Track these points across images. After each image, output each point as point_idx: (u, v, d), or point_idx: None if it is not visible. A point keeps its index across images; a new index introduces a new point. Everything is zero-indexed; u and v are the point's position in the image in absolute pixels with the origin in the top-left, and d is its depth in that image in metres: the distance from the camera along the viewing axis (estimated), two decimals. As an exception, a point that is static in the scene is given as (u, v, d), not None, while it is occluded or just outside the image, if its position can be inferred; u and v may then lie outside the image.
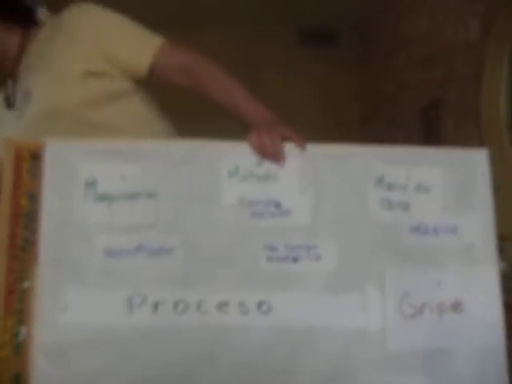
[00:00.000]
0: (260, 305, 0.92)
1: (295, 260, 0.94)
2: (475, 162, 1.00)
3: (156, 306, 0.90)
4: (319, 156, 0.96)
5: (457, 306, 0.96)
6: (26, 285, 0.90)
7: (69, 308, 0.89)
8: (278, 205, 0.95)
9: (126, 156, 0.93)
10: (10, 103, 1.12)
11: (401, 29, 2.13)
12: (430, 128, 2.12)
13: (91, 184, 0.92)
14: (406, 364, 0.94)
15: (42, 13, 1.12)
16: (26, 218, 0.91)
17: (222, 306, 0.91)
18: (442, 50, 1.66)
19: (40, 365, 0.88)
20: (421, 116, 2.20)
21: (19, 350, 0.88)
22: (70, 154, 0.92)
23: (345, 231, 0.96)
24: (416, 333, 0.95)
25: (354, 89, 3.23)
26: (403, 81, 2.30)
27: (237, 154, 0.95)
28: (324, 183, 0.96)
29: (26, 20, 1.10)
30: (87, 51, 1.04)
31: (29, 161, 0.91)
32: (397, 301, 0.95)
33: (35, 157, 0.92)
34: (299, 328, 0.92)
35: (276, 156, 0.95)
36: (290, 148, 0.96)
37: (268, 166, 0.96)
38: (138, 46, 1.06)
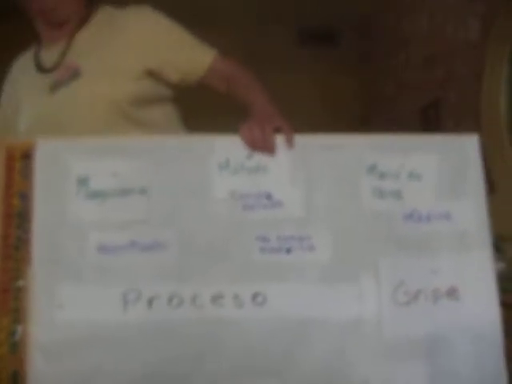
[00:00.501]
0: (255, 297, 0.92)
1: (288, 251, 0.94)
2: (467, 149, 0.98)
3: (151, 302, 0.89)
4: (310, 147, 0.95)
5: (452, 293, 0.95)
6: (20, 283, 0.89)
7: (64, 305, 0.88)
8: (269, 196, 0.94)
9: (116, 152, 0.92)
10: (44, 67, 1.08)
11: (401, 29, 2.12)
12: (429, 128, 2.11)
13: (83, 181, 0.91)
14: (402, 352, 0.92)
15: None
16: (18, 218, 0.90)
17: (217, 298, 0.91)
18: (442, 50, 1.66)
19: (37, 363, 0.87)
20: (421, 116, 2.18)
21: (16, 348, 0.88)
22: (61, 152, 0.91)
23: (338, 221, 0.95)
24: (411, 320, 0.94)
25: (354, 89, 3.22)
26: (403, 81, 2.28)
27: (227, 147, 0.94)
28: (315, 174, 0.95)
29: None
30: (146, 54, 1.06)
31: (20, 160, 0.91)
32: (391, 289, 0.94)
33: (26, 156, 0.91)
34: (294, 319, 0.91)
35: (266, 148, 0.93)
36: (281, 140, 0.95)
37: (258, 159, 0.94)
38: (196, 54, 1.09)
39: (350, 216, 0.95)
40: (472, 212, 0.97)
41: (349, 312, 0.92)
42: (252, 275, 0.92)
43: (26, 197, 0.90)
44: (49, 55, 1.08)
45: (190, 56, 1.08)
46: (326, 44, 3.21)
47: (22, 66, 1.13)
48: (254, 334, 0.90)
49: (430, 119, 2.12)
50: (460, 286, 0.95)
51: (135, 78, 1.05)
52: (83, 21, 1.09)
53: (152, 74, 1.07)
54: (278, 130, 0.94)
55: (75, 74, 1.04)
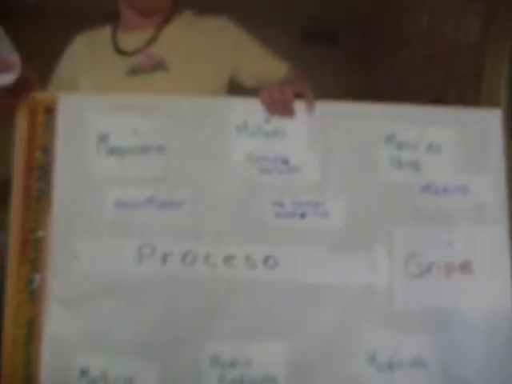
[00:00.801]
0: (266, 259, 0.92)
1: (302, 216, 0.93)
2: (489, 123, 0.96)
3: (165, 257, 0.91)
4: (329, 114, 0.94)
5: (465, 266, 0.94)
6: (39, 234, 0.91)
7: (81, 257, 0.90)
8: (286, 161, 0.94)
9: (137, 111, 0.93)
10: (123, 50, 1.07)
11: (401, 29, 2.08)
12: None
13: (103, 138, 0.92)
14: (412, 323, 0.92)
15: None
16: (40, 171, 0.92)
17: (229, 259, 0.91)
18: (442, 50, 1.63)
19: (53, 311, 0.89)
20: None
21: (33, 296, 0.90)
22: (82, 108, 0.92)
23: (353, 190, 0.94)
24: (423, 292, 0.93)
25: (354, 88, 3.16)
26: (403, 81, 2.27)
27: (246, 109, 0.93)
28: (333, 141, 0.94)
29: None
30: (229, 60, 1.07)
31: (43, 114, 0.92)
32: (404, 260, 0.93)
33: (49, 111, 0.92)
34: (305, 284, 0.91)
35: (285, 111, 0.93)
36: (300, 105, 0.95)
37: (277, 123, 0.94)
38: (274, 64, 1.09)
39: (366, 185, 0.94)
40: (490, 187, 0.95)
41: (360, 280, 0.92)
42: (265, 238, 0.92)
43: (47, 150, 0.92)
44: (129, 40, 1.08)
45: (268, 66, 1.09)
46: (326, 44, 3.19)
47: (91, 43, 1.12)
48: (264, 297, 0.91)
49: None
50: (474, 260, 0.94)
51: (218, 80, 1.06)
52: (170, 17, 1.10)
53: (231, 78, 1.09)
54: (299, 96, 0.94)
55: (159, 66, 1.05)
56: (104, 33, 1.12)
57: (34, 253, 0.90)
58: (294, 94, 0.93)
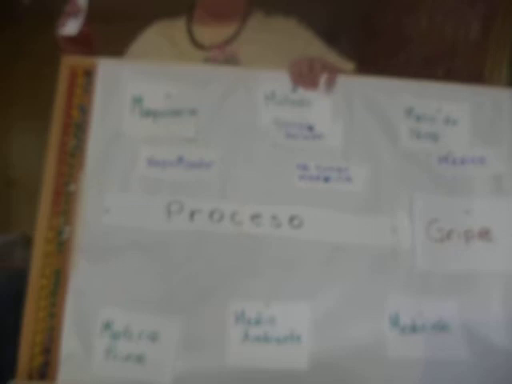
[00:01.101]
0: (292, 219, 0.94)
1: (326, 180, 0.96)
2: (501, 100, 1.01)
3: (192, 214, 0.92)
4: (351, 85, 0.99)
5: (484, 234, 0.96)
6: (72, 188, 0.93)
7: (111, 211, 0.91)
8: (311, 128, 0.98)
9: (171, 77, 0.97)
10: (201, 43, 1.10)
11: (401, 29, 2.16)
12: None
13: (138, 100, 0.96)
14: (434, 285, 0.92)
15: None
16: (76, 128, 0.95)
17: (256, 217, 0.93)
18: (442, 50, 1.69)
19: (80, 264, 0.89)
20: None
21: (62, 248, 0.91)
22: (119, 72, 0.96)
23: (374, 158, 0.97)
24: (443, 256, 0.94)
25: None
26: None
27: (274, 80, 0.98)
28: (356, 111, 0.98)
29: None
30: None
31: (82, 76, 0.96)
32: (425, 225, 0.95)
33: (88, 73, 0.96)
34: (329, 243, 0.92)
35: (309, 86, 0.98)
36: (325, 78, 0.99)
37: (302, 93, 0.98)
38: (341, 62, 1.12)
39: (387, 153, 0.97)
40: (506, 158, 0.98)
41: (383, 242, 0.93)
42: (290, 199, 0.94)
43: (84, 109, 0.95)
44: (205, 35, 1.11)
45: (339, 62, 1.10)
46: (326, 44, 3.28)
47: (169, 34, 1.14)
48: (289, 255, 0.91)
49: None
50: (492, 228, 0.96)
51: None
52: (245, 18, 1.13)
53: None
54: (324, 69, 0.99)
55: (231, 60, 1.09)
56: (179, 24, 1.14)
57: (65, 205, 0.92)
58: (322, 71, 0.98)
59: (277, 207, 0.93)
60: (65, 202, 0.92)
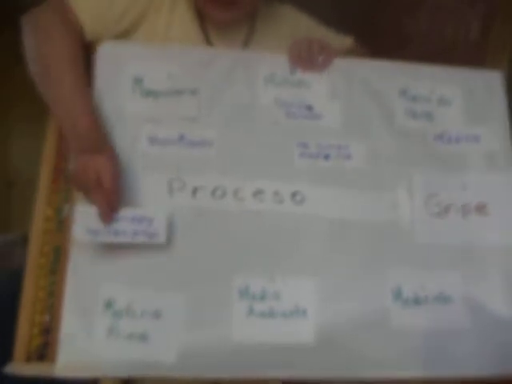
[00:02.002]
0: (294, 195, 0.92)
1: (326, 157, 0.95)
2: (491, 82, 1.03)
3: (195, 191, 0.90)
4: (349, 67, 0.99)
5: (481, 209, 0.96)
6: (73, 165, 0.90)
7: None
8: (310, 108, 0.97)
9: (172, 57, 0.96)
10: (210, 41, 1.01)
11: (401, 28, 2.19)
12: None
13: (138, 80, 0.94)
14: (435, 259, 0.91)
15: None
16: (76, 107, 0.93)
17: (258, 193, 0.91)
18: (442, 50, 1.72)
19: (80, 241, 0.86)
20: None
21: (62, 226, 0.87)
22: (120, 52, 0.94)
23: (373, 136, 0.96)
24: (443, 230, 0.93)
25: None
26: None
27: (273, 62, 0.97)
28: (353, 92, 0.97)
29: None
30: None
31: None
32: (424, 199, 0.94)
33: (88, 54, 0.96)
34: (331, 218, 0.90)
35: (308, 66, 0.98)
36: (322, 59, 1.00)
37: (301, 75, 0.98)
38: (339, 38, 1.10)
39: (385, 131, 0.97)
40: (499, 136, 0.99)
41: (384, 217, 0.92)
42: (291, 176, 0.92)
43: (85, 89, 0.94)
44: (222, 38, 1.01)
45: (334, 41, 1.07)
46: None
47: (175, 10, 0.99)
48: (292, 230, 0.89)
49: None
50: (488, 203, 0.96)
51: None
52: (252, 12, 1.03)
53: None
54: (321, 50, 0.99)
55: None
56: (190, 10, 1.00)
57: (65, 183, 0.89)
58: (320, 52, 0.99)
59: (278, 183, 0.92)
60: (65, 180, 0.89)
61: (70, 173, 0.84)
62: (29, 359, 0.80)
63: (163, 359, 0.82)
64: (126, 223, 0.83)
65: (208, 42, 1.00)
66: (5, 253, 1.56)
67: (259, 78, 0.97)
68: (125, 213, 0.83)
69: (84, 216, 0.82)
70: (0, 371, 0.78)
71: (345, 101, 0.98)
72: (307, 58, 0.97)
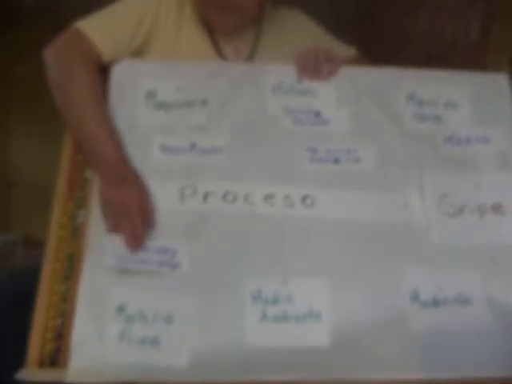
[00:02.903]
0: (304, 198, 0.90)
1: (336, 161, 0.94)
2: (498, 83, 1.02)
3: (206, 196, 0.89)
4: (355, 75, 0.99)
5: (497, 208, 0.92)
6: (87, 175, 0.91)
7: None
8: (318, 114, 0.97)
9: (181, 72, 0.98)
10: (221, 53, 1.03)
11: (401, 28, 2.16)
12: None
13: (151, 94, 0.96)
14: (452, 260, 0.87)
15: None
16: (92, 120, 0.95)
17: (269, 197, 0.90)
18: (442, 50, 1.69)
19: (93, 248, 0.85)
20: None
21: (76, 233, 0.87)
22: (134, 68, 0.97)
23: (381, 140, 0.95)
24: (459, 230, 0.89)
25: None
26: None
27: (280, 72, 0.99)
28: (359, 98, 0.97)
29: None
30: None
31: (99, 74, 0.99)
32: (437, 200, 0.91)
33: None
34: (342, 220, 0.87)
35: (314, 75, 0.98)
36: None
37: (308, 83, 0.99)
38: (342, 48, 1.12)
39: (393, 135, 0.95)
40: (509, 136, 0.98)
41: (396, 218, 0.89)
42: (301, 180, 0.91)
43: (100, 104, 0.96)
44: (230, 47, 1.04)
45: (339, 51, 1.07)
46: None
47: (182, 21, 1.01)
48: (303, 233, 0.86)
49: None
50: (505, 203, 0.92)
51: None
52: (257, 17, 1.04)
53: None
54: (328, 60, 0.99)
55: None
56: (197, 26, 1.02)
57: (80, 191, 0.89)
58: (325, 62, 0.98)
59: (289, 188, 0.90)
60: (80, 188, 0.89)
61: (100, 201, 0.86)
62: (42, 365, 0.78)
63: (175, 363, 0.78)
64: (151, 253, 0.84)
65: (216, 49, 1.01)
66: (5, 253, 1.52)
67: (267, 87, 0.98)
68: (151, 243, 0.84)
69: (113, 243, 0.83)
70: None
71: (352, 107, 0.97)
72: (313, 67, 0.98)
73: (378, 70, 1.01)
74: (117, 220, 0.84)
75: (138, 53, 0.99)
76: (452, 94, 1.00)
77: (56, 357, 0.79)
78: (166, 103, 0.95)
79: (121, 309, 0.82)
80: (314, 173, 0.92)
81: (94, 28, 0.95)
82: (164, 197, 0.88)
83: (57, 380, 0.77)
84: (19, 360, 0.75)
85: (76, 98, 0.90)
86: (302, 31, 1.08)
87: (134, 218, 0.83)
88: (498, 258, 0.87)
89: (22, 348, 0.76)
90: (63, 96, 0.91)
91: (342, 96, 0.98)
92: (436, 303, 0.84)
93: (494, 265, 0.87)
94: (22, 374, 0.76)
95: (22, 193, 1.84)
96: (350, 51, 1.12)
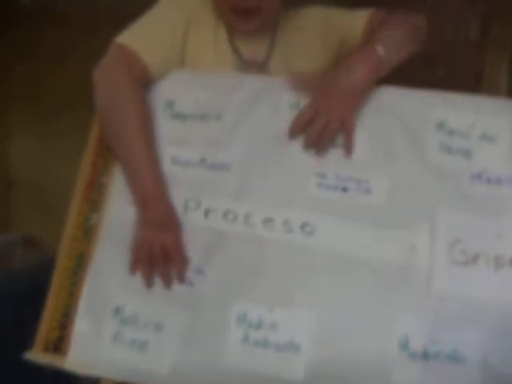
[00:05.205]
0: (304, 225, 0.84)
1: (344, 190, 0.85)
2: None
3: (207, 212, 0.87)
4: (380, 94, 0.88)
5: (517, 262, 0.80)
6: (104, 179, 0.93)
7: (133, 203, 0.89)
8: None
9: (200, 84, 0.92)
10: (242, 56, 0.96)
11: None
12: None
13: (170, 103, 0.93)
14: (452, 312, 0.76)
15: None
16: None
17: (268, 221, 0.84)
18: (442, 50, 1.56)
19: (101, 249, 0.86)
20: None
21: (88, 233, 0.90)
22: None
23: (398, 170, 0.83)
24: (467, 282, 0.78)
25: None
26: (403, 81, 2.12)
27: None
28: (381, 121, 0.86)
29: None
30: (327, 43, 0.97)
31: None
32: (448, 245, 0.80)
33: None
34: (340, 254, 0.80)
35: (315, 146, 0.85)
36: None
37: (328, 103, 0.91)
38: (359, 14, 0.96)
39: (412, 166, 0.84)
40: (550, 181, 0.82)
41: (399, 259, 0.79)
42: (304, 205, 0.84)
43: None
44: (248, 48, 0.96)
45: (355, 20, 0.95)
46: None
47: (209, 28, 0.95)
48: (298, 262, 0.81)
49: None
50: (528, 256, 0.79)
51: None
52: (276, 20, 0.97)
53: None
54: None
55: (263, 71, 0.97)
56: (219, 27, 0.96)
57: (96, 195, 0.91)
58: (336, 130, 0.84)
59: (290, 212, 0.84)
60: (96, 192, 0.91)
61: (136, 240, 0.85)
62: (46, 349, 0.84)
63: (157, 370, 0.79)
64: None
65: (235, 51, 0.95)
66: (5, 253, 1.48)
67: (284, 106, 0.89)
68: None
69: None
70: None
71: (371, 131, 0.86)
72: (317, 137, 0.84)
73: (406, 91, 0.88)
74: (152, 263, 0.83)
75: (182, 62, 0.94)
76: (490, 125, 0.84)
77: (59, 344, 0.84)
78: (183, 114, 0.92)
79: (118, 310, 0.84)
80: (318, 199, 0.84)
81: (140, 43, 0.89)
82: (170, 207, 0.88)
83: (57, 365, 0.83)
84: (19, 358, 0.79)
85: (124, 130, 0.85)
86: (314, 20, 0.97)
87: (177, 264, 0.83)
88: (507, 318, 0.76)
89: (22, 347, 0.80)
90: (111, 124, 0.87)
91: (361, 118, 0.87)
92: (426, 356, 0.75)
93: (501, 325, 0.75)
94: (29, 356, 0.83)
95: (22, 193, 1.84)
96: (367, 13, 0.95)
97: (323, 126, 0.83)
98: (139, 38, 0.90)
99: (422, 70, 1.38)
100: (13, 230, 1.71)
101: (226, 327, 0.80)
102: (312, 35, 0.96)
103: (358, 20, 0.95)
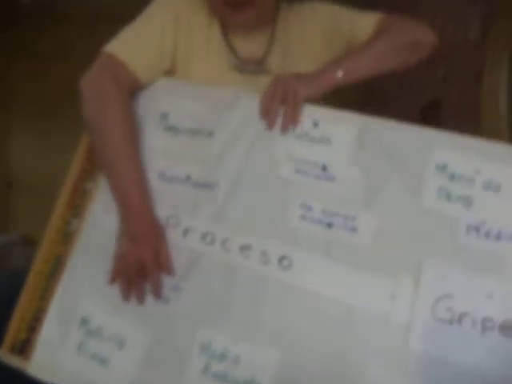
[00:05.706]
0: (281, 259, 0.79)
1: (329, 226, 0.80)
2: None
3: (186, 232, 0.84)
4: (380, 130, 0.82)
5: (507, 328, 0.72)
6: (89, 186, 0.91)
7: (114, 213, 0.87)
8: (324, 168, 0.82)
9: (196, 97, 0.89)
10: (237, 54, 0.93)
11: None
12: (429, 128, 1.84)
13: (165, 116, 0.90)
14: (427, 373, 0.71)
15: None
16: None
17: (245, 249, 0.80)
18: (442, 50, 1.49)
19: (77, 255, 0.85)
20: (421, 116, 1.92)
21: (67, 238, 0.88)
22: (151, 88, 0.92)
23: (389, 211, 0.77)
24: (449, 343, 0.71)
25: (353, 89, 2.85)
26: (403, 81, 2.05)
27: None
28: (377, 158, 0.79)
29: None
30: (330, 42, 0.94)
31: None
32: (432, 300, 0.73)
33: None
34: (315, 294, 0.74)
35: (272, 125, 0.83)
36: (348, 115, 0.85)
37: (324, 129, 0.84)
38: (367, 16, 0.93)
39: (405, 209, 0.77)
40: (556, 243, 0.73)
41: (377, 307, 0.73)
42: (285, 237, 0.79)
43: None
44: (244, 46, 0.93)
45: (361, 20, 0.92)
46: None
47: (201, 27, 0.92)
48: (271, 296, 0.76)
49: (429, 119, 1.82)
50: (520, 324, 0.71)
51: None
52: (273, 16, 0.94)
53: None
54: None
55: (261, 69, 0.93)
56: (212, 22, 0.93)
57: (79, 200, 0.90)
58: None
59: (268, 243, 0.79)
60: (80, 197, 0.89)
61: (116, 252, 0.82)
62: (12, 350, 0.83)
63: (114, 388, 0.78)
64: None
65: (230, 49, 0.91)
66: (4, 253, 1.49)
67: (278, 131, 0.85)
68: None
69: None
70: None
71: (365, 168, 0.80)
72: (274, 116, 0.83)
73: (407, 127, 0.81)
74: (130, 278, 0.81)
75: (171, 68, 0.91)
76: (496, 173, 0.76)
77: (25, 347, 0.83)
78: (176, 128, 0.88)
79: (84, 320, 0.82)
80: (300, 232, 0.79)
81: (128, 52, 0.87)
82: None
83: (20, 368, 0.82)
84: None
85: (109, 140, 0.83)
86: (319, 18, 0.91)
87: (152, 279, 0.80)
88: (486, 389, 0.68)
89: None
90: (96, 133, 0.85)
91: (357, 152, 0.80)
92: (392, 417, 0.69)
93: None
94: (-1, 354, 0.82)
95: (22, 193, 1.85)
96: (375, 18, 0.90)
97: (284, 92, 0.82)
98: (127, 46, 0.87)
99: (422, 70, 1.34)
100: (12, 230, 1.73)
101: (189, 354, 0.77)
102: (315, 34, 0.91)
103: (365, 24, 0.90)
